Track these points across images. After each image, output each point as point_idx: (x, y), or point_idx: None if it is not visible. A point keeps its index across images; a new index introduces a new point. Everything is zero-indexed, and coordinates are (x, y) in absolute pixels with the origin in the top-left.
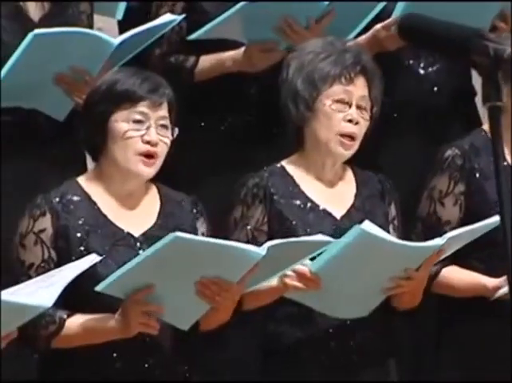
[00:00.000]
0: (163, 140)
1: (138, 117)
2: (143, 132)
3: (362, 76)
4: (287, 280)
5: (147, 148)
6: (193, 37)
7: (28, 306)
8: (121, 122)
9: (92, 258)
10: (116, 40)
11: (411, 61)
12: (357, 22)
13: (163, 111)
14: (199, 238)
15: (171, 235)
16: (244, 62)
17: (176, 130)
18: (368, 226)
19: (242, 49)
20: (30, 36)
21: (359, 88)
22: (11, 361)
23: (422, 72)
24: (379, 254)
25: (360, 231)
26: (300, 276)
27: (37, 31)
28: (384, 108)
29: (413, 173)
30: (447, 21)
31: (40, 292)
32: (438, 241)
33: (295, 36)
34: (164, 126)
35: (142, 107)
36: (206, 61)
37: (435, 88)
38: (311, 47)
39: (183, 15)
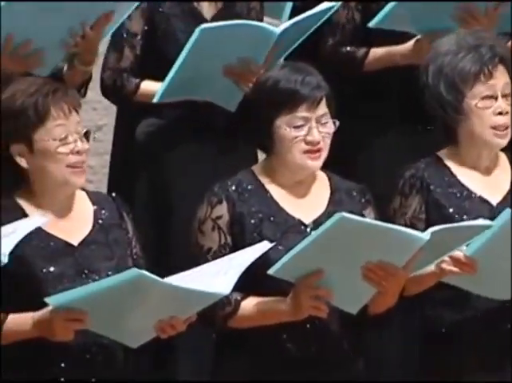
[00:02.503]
0: (325, 136)
1: (300, 123)
2: (306, 133)
3: (501, 65)
4: (443, 265)
5: (311, 147)
6: (370, 25)
7: (207, 294)
8: (284, 128)
9: (265, 245)
10: (278, 29)
11: None
12: None
13: (322, 108)
14: (364, 219)
15: (337, 215)
16: (414, 55)
17: (337, 123)
18: None
19: (411, 42)
20: (198, 30)
21: (500, 79)
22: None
23: None
24: None
25: (510, 215)
26: (455, 261)
27: (203, 25)
28: None
29: None
30: None
31: (218, 278)
32: None
33: (474, 22)
34: (325, 123)
35: (302, 111)
36: (376, 52)
37: None
38: (446, 45)
39: (339, 3)
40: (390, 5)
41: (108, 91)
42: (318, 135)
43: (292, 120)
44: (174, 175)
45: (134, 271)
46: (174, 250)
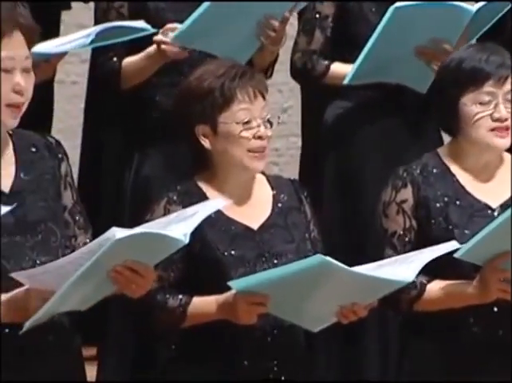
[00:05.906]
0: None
1: (486, 98)
2: (492, 111)
3: None
4: None
5: (499, 124)
6: None
7: (390, 281)
8: (470, 106)
9: (453, 245)
10: (474, 7)
11: None
12: None
13: (509, 84)
14: None
15: None
16: None
17: None
18: None
19: None
20: (391, 10)
21: None
22: None
23: None
24: None
25: None
26: None
27: (397, 4)
28: None
29: None
30: None
31: (402, 266)
32: None
33: None
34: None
35: (488, 87)
36: None
37: None
38: None
39: None
40: None
41: (298, 73)
42: (505, 111)
43: (477, 96)
44: (362, 158)
45: (319, 257)
46: (363, 231)
